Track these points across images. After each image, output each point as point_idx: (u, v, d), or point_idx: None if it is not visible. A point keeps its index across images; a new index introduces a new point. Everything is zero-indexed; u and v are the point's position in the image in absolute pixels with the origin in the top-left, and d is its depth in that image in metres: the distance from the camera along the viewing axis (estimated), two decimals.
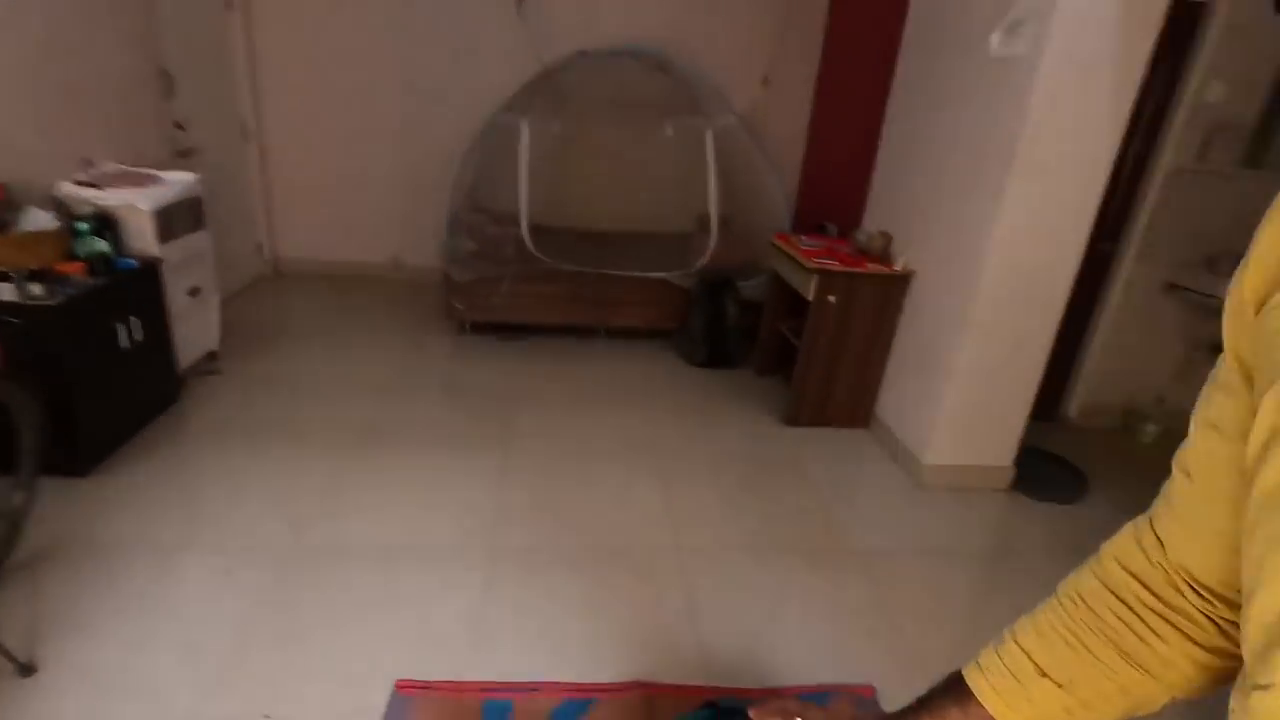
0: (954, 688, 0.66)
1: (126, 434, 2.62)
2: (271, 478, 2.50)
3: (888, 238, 3.11)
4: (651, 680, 1.77)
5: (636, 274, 3.84)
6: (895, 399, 3.11)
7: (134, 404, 2.66)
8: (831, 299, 2.98)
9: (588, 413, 3.22)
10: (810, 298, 3.02)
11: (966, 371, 2.69)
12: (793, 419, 3.22)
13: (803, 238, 3.40)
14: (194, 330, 3.10)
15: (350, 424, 2.91)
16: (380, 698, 1.66)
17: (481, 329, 3.98)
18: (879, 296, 3.01)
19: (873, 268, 2.99)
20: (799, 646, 1.96)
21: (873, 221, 3.34)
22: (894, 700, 1.79)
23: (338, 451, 2.70)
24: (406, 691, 1.68)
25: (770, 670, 1.86)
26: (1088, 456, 3.15)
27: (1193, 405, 0.55)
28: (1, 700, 1.57)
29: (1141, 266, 3.22)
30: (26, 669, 1.62)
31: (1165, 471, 0.61)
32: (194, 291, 3.06)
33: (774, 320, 3.61)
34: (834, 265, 2.97)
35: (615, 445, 2.95)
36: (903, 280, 3.00)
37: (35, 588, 1.90)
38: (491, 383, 3.45)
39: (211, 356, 3.32)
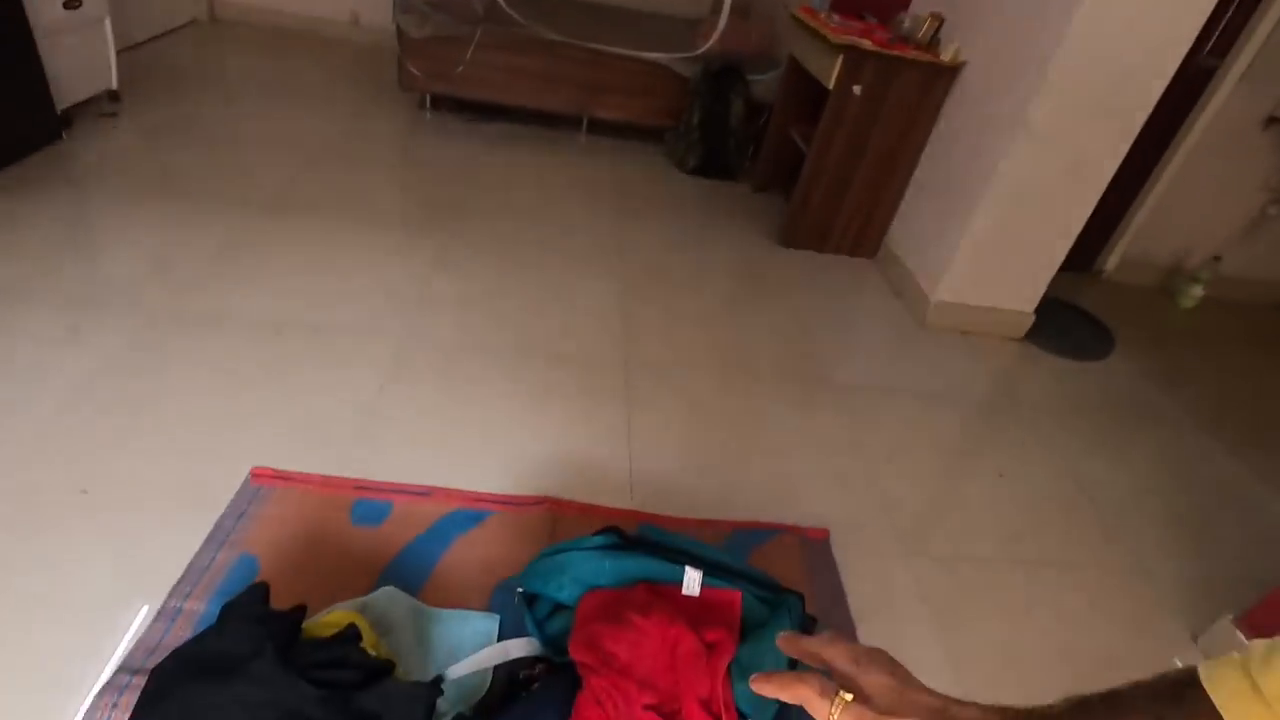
0: (1182, 697, 0.42)
1: None
2: (157, 232, 2.09)
3: (938, 20, 2.48)
4: (563, 498, 1.48)
5: (629, 53, 3.20)
6: (911, 226, 2.64)
7: None
8: (857, 89, 2.42)
9: (553, 211, 2.75)
10: (830, 85, 2.45)
11: (1007, 192, 2.20)
12: (789, 239, 2.77)
13: (834, 15, 2.75)
14: (78, 58, 2.54)
15: (266, 185, 2.46)
16: (230, 485, 1.37)
17: (444, 106, 3.40)
18: (916, 91, 2.44)
19: (914, 54, 2.40)
20: (751, 478, 1.67)
21: (923, 6, 2.68)
22: (846, 546, 1.49)
23: (244, 212, 2.27)
24: (263, 481, 1.38)
25: (712, 501, 1.57)
26: (1118, 316, 2.75)
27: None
28: None
29: (1244, 91, 2.61)
30: None
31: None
32: (72, 4, 2.47)
33: (784, 122, 3.04)
34: (866, 45, 2.37)
35: (577, 248, 2.52)
36: (949, 73, 2.41)
37: None
38: (446, 164, 2.95)
39: (112, 97, 2.79)
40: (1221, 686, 0.40)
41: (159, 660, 0.87)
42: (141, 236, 2.07)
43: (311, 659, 0.88)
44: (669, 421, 1.78)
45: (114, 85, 2.76)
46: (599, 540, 1.08)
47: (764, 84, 3.24)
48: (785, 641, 0.51)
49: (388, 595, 1.16)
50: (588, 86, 3.30)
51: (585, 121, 3.46)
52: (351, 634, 0.93)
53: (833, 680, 0.47)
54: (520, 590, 1.04)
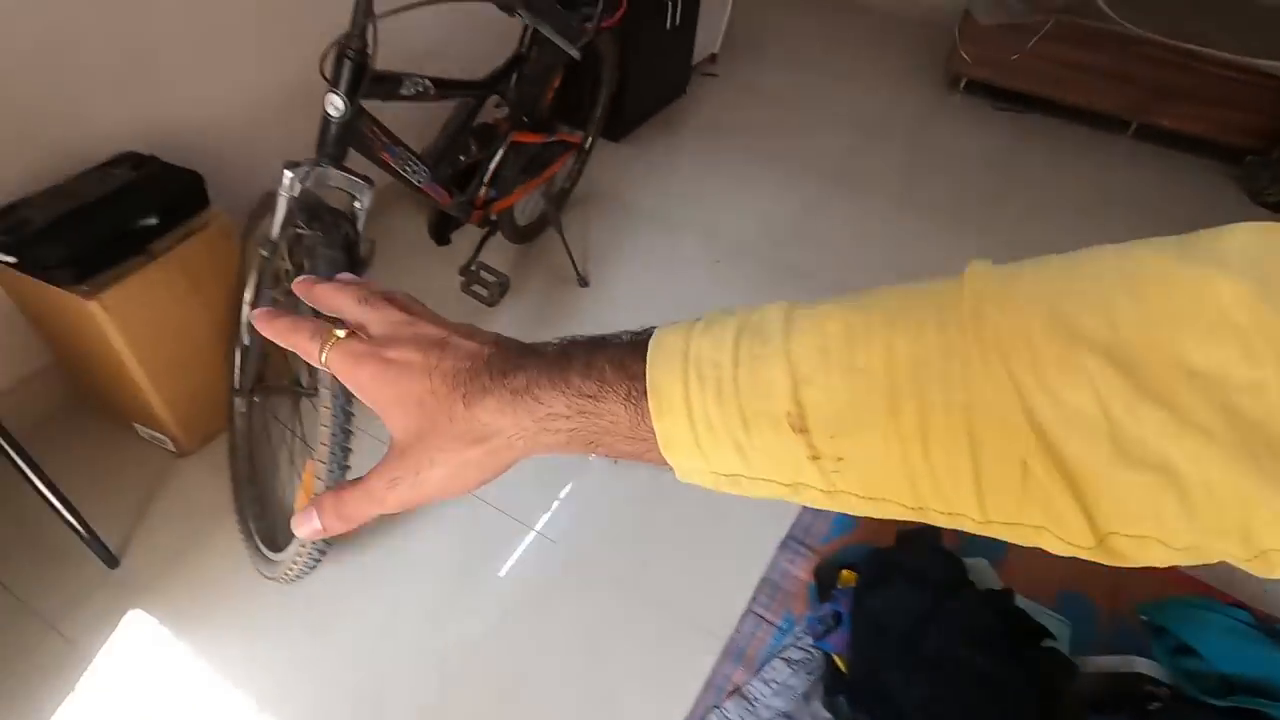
0: (629, 363, 0.31)
1: (647, 113, 2.91)
2: (758, 188, 2.62)
3: None
4: None
5: (1234, 58, 2.80)
6: None
7: (657, 87, 2.90)
8: None
9: (1070, 224, 2.66)
10: None
11: None
12: None
13: None
14: (706, 28, 3.17)
15: (828, 154, 2.85)
16: None
17: (976, 89, 3.42)
18: None
19: None
20: None
21: None
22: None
23: (816, 179, 2.69)
24: None
25: None
26: None
27: None
28: (567, 301, 2.04)
29: None
30: (583, 280, 2.06)
31: None
32: None
33: None
34: None
35: None
36: None
37: (585, 223, 2.34)
38: (978, 153, 3.02)
39: (712, 59, 3.42)
40: (660, 346, 0.30)
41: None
42: (747, 189, 2.61)
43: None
44: None
45: (717, 49, 3.39)
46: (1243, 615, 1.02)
47: None
48: (300, 286, 0.41)
49: (978, 565, 1.42)
50: (1155, 89, 3.00)
51: (1133, 125, 3.17)
52: (1007, 592, 1.18)
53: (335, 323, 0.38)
54: (1145, 618, 1.04)
